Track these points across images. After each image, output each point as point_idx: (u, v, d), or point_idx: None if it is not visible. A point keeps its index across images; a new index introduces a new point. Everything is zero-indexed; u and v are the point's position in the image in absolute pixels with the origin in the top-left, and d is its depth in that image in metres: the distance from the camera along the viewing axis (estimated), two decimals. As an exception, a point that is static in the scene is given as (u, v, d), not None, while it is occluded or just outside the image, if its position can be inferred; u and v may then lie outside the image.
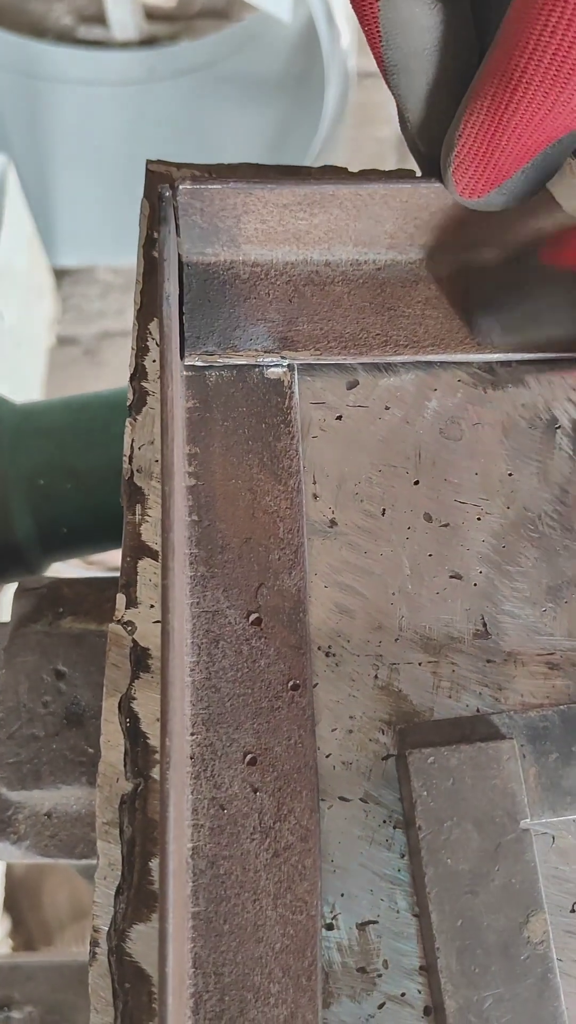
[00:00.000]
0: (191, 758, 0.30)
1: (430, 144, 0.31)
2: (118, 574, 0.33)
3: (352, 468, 0.35)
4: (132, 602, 0.32)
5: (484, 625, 0.33)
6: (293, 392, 0.35)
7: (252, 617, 0.32)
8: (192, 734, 0.30)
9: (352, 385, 0.36)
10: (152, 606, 0.32)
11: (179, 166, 0.39)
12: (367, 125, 1.54)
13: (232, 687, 0.31)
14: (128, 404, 0.35)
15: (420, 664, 0.32)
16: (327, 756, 0.31)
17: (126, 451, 0.34)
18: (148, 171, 0.39)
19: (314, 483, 0.34)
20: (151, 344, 0.36)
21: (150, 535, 0.33)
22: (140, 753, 0.30)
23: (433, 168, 0.32)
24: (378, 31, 0.28)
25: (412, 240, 0.36)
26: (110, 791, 0.30)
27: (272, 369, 0.35)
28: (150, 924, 0.29)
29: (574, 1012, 0.28)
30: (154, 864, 0.29)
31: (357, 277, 0.36)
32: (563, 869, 0.30)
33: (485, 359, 0.36)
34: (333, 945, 0.29)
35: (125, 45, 1.61)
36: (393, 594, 0.33)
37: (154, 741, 0.30)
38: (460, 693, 0.32)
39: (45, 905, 1.11)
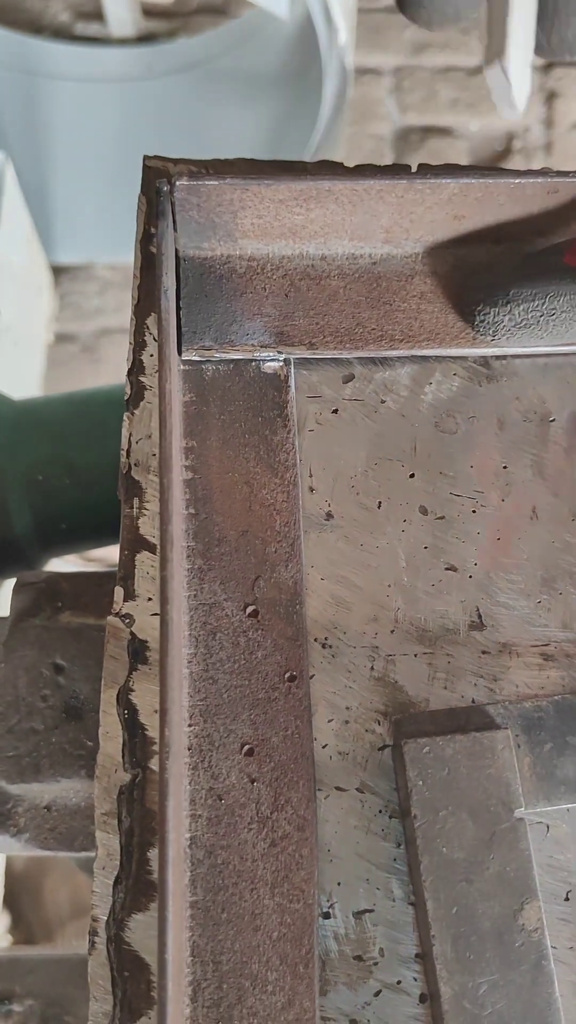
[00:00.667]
0: (189, 749, 0.30)
1: None
2: (116, 568, 0.33)
3: (348, 461, 0.35)
4: (130, 595, 0.32)
5: (479, 617, 0.33)
6: (289, 386, 0.35)
7: (249, 609, 0.32)
8: (190, 725, 0.30)
9: (348, 379, 0.36)
10: (150, 599, 0.32)
11: (176, 161, 0.39)
12: (364, 121, 1.54)
13: (229, 678, 0.31)
14: (125, 399, 0.35)
15: (416, 655, 0.32)
16: (324, 747, 0.31)
17: (123, 445, 0.34)
18: (145, 167, 0.39)
19: (310, 476, 0.34)
20: (148, 339, 0.36)
21: (147, 528, 0.33)
22: (138, 744, 0.31)
23: None
24: None
25: (408, 234, 0.36)
26: (108, 782, 0.30)
27: (268, 363, 0.35)
28: (148, 913, 0.29)
29: (568, 998, 0.28)
30: (152, 854, 0.29)
31: (353, 271, 0.36)
32: (557, 858, 0.30)
33: (481, 353, 0.36)
34: (330, 933, 0.29)
35: (122, 41, 1.61)
36: (389, 586, 0.33)
37: (152, 732, 0.31)
38: (455, 684, 0.32)
39: (46, 902, 1.11)
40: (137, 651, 0.32)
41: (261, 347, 0.35)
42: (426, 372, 0.36)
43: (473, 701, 0.32)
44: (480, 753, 0.29)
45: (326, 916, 0.29)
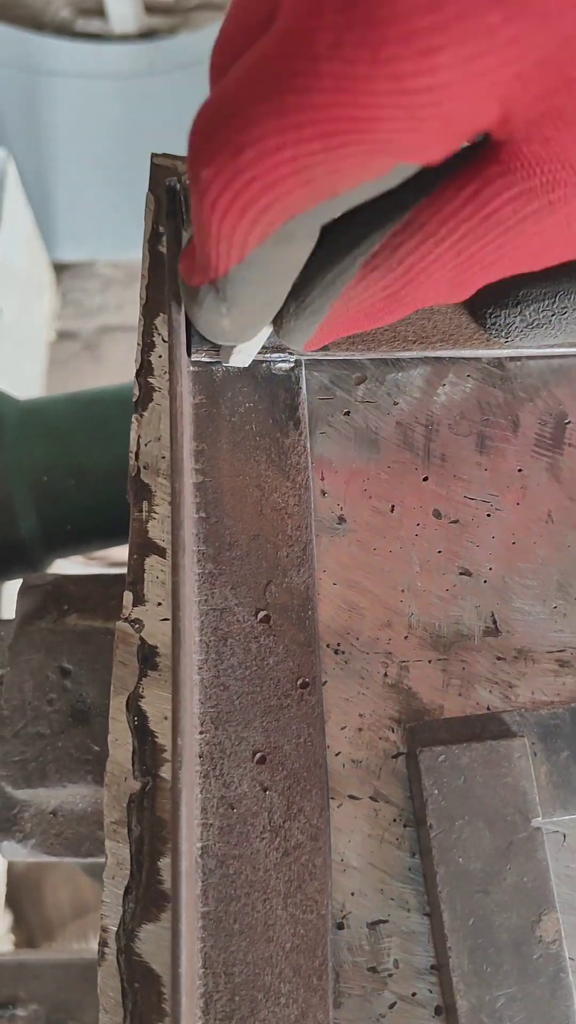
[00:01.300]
0: (200, 757, 0.30)
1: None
2: (121, 570, 0.33)
3: (361, 464, 0.34)
4: (139, 600, 0.32)
5: (494, 622, 0.32)
6: (301, 387, 0.35)
7: (260, 615, 0.32)
8: (201, 732, 0.30)
9: (360, 380, 0.35)
10: (159, 604, 0.32)
11: (184, 159, 0.39)
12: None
13: (241, 685, 0.31)
14: (134, 400, 0.35)
15: (430, 662, 0.32)
16: (337, 754, 0.31)
17: (132, 447, 0.34)
18: (153, 165, 0.38)
19: (322, 479, 0.34)
20: (157, 340, 0.35)
21: (157, 532, 0.33)
22: (148, 752, 0.30)
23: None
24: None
25: (420, 234, 0.35)
26: (118, 790, 0.30)
27: (280, 364, 0.35)
28: (159, 924, 0.28)
29: (587, 1012, 0.28)
30: (163, 863, 0.29)
31: (365, 271, 0.36)
32: (574, 867, 0.30)
33: (495, 354, 0.36)
34: (344, 945, 0.29)
35: (124, 38, 1.60)
36: (402, 591, 0.33)
37: (163, 740, 0.30)
38: (470, 690, 0.32)
39: (47, 902, 1.11)
40: (147, 657, 0.31)
41: (272, 348, 0.35)
42: (439, 373, 0.36)
43: (488, 708, 0.31)
44: (496, 761, 0.29)
45: (340, 927, 0.29)
